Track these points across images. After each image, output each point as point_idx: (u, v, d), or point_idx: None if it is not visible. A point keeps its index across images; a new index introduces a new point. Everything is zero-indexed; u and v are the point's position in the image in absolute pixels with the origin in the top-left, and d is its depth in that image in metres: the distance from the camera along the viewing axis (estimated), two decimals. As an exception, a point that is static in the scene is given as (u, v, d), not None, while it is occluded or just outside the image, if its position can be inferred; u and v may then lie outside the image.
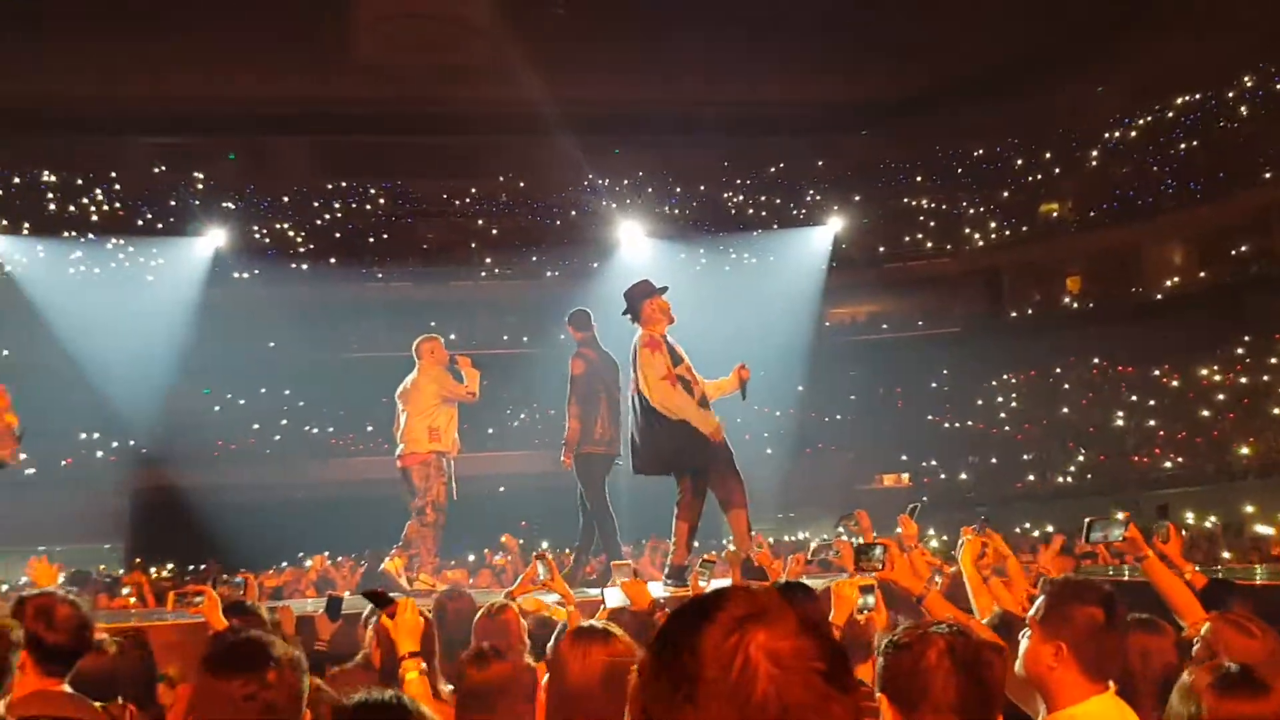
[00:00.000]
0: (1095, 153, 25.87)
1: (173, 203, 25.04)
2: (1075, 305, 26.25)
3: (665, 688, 1.13)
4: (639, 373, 7.21)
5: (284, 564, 14.57)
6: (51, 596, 3.18)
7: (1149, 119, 25.21)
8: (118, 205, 25.16)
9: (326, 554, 13.38)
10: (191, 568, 15.63)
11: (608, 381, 8.08)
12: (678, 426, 7.09)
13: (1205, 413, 20.92)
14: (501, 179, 27.74)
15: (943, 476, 22.39)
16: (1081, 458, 21.59)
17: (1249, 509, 16.54)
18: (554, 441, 9.07)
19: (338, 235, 25.85)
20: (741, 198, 27.77)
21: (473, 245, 26.18)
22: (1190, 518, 16.07)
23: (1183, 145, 24.35)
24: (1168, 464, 20.32)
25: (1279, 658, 3.29)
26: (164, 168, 26.61)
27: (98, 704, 3.17)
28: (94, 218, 24.43)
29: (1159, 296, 24.62)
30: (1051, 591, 2.78)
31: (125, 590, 9.77)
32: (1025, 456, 22.28)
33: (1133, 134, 25.46)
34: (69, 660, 3.10)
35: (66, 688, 3.13)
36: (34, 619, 3.07)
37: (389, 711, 2.32)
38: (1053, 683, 2.64)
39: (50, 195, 24.65)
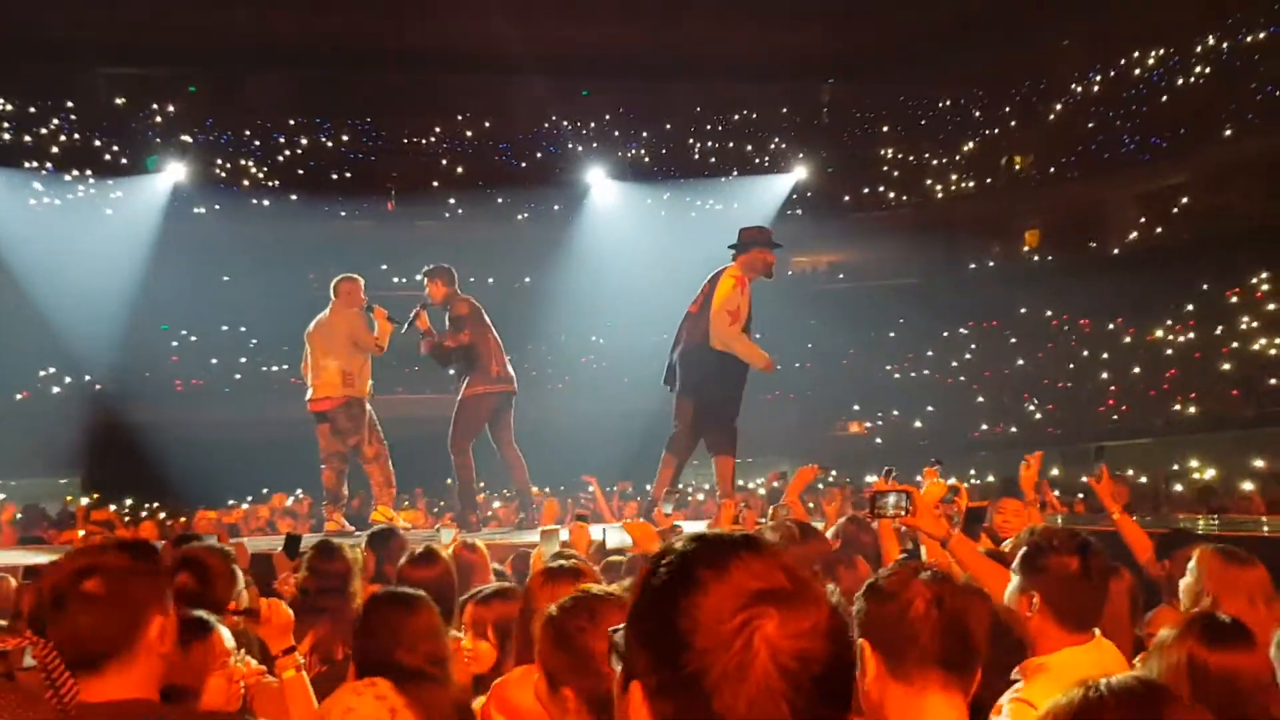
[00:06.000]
0: (1058, 107, 25.96)
1: (131, 135, 24.58)
2: (1034, 258, 26.49)
3: (648, 638, 1.08)
4: (711, 296, 7.32)
5: (246, 500, 14.61)
6: None
7: (1112, 74, 25.30)
8: (76, 136, 24.69)
9: (299, 492, 13.44)
10: (148, 505, 15.62)
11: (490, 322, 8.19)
12: (712, 356, 7.21)
13: (1157, 367, 21.27)
14: (465, 118, 27.46)
15: (897, 425, 22.69)
16: (1033, 408, 21.93)
17: (1194, 463, 16.90)
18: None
19: (300, 172, 25.50)
20: (708, 143, 27.69)
21: (437, 184, 25.93)
22: (1134, 471, 16.42)
23: (1145, 101, 24.47)
24: (1116, 416, 20.70)
25: (1268, 586, 3.45)
26: (123, 99, 26.12)
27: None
28: (51, 149, 23.96)
29: (1116, 251, 24.86)
30: (1029, 541, 2.82)
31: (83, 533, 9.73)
32: (979, 406, 22.59)
33: (1095, 89, 25.56)
34: None
35: None
36: None
37: None
38: (1030, 632, 2.69)
39: (4, 125, 24.15)
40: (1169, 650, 2.48)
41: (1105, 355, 22.44)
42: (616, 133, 27.22)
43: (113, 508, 13.58)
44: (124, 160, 23.92)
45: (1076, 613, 2.67)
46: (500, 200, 25.68)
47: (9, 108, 24.39)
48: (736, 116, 28.28)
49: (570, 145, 26.13)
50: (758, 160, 26.92)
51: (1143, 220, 24.74)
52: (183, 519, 12.35)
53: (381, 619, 3.03)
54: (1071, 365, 22.74)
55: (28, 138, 24.01)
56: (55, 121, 24.50)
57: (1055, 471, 15.84)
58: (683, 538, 1.15)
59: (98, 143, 24.52)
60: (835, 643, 1.05)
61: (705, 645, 1.02)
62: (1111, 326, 23.15)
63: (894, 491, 3.50)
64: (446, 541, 4.75)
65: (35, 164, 23.12)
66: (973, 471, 17.80)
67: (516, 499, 8.94)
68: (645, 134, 27.54)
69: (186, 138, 24.69)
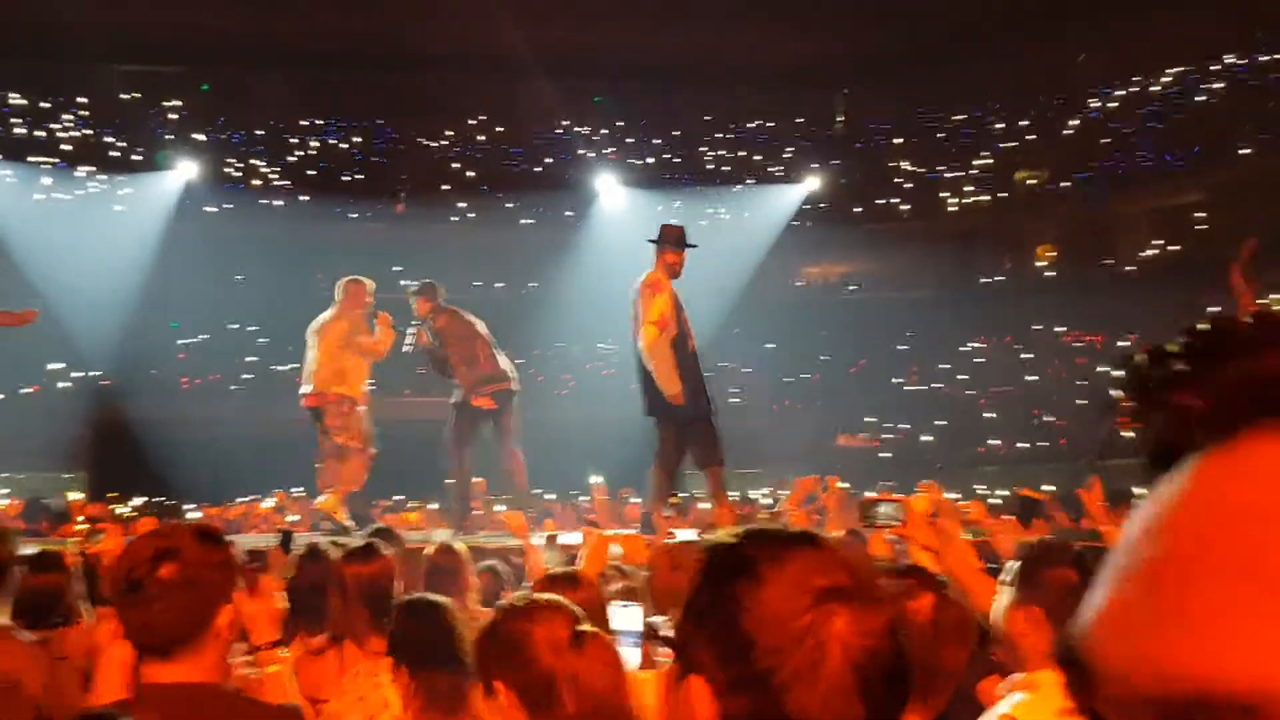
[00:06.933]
0: (1074, 121, 25.83)
1: (143, 133, 24.62)
2: (1047, 273, 26.35)
3: (711, 633, 1.07)
4: (637, 312, 7.23)
5: (249, 498, 14.59)
6: None
7: (1129, 90, 25.17)
8: (88, 133, 24.73)
9: (304, 491, 13.37)
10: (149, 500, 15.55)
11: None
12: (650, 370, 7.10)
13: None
14: (477, 122, 27.45)
15: (905, 438, 22.57)
16: (1043, 424, 21.80)
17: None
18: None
19: (311, 172, 25.53)
20: (720, 151, 27.61)
21: (447, 187, 25.91)
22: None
23: (1162, 118, 24.34)
24: (1127, 433, 20.51)
25: None
26: (136, 96, 26.15)
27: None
28: (63, 145, 24.01)
29: (1131, 267, 24.71)
30: (1024, 555, 2.76)
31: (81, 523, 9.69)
32: (988, 421, 22.47)
33: (1112, 104, 25.44)
34: None
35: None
36: None
37: None
38: (1026, 648, 2.62)
39: (16, 120, 24.19)
40: None
41: (1117, 372, 22.23)
42: (628, 139, 27.16)
43: (119, 510, 13.55)
44: (135, 156, 23.94)
45: None
46: (509, 204, 25.64)
47: (22, 103, 24.44)
48: (749, 125, 28.20)
49: (580, 151, 26.09)
50: (770, 169, 26.83)
51: (1158, 237, 24.57)
52: (181, 516, 12.29)
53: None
54: (1083, 381, 22.60)
55: (39, 133, 24.06)
56: (67, 117, 24.54)
57: (1051, 487, 15.74)
58: (735, 531, 1.14)
59: (109, 139, 24.56)
60: (900, 641, 1.07)
61: (774, 643, 1.02)
62: (1125, 343, 22.98)
63: (886, 501, 3.50)
64: (438, 542, 4.69)
65: (45, 159, 23.17)
66: (982, 487, 17.65)
67: (518, 502, 8.86)
68: (656, 141, 27.49)
69: (198, 135, 24.70)
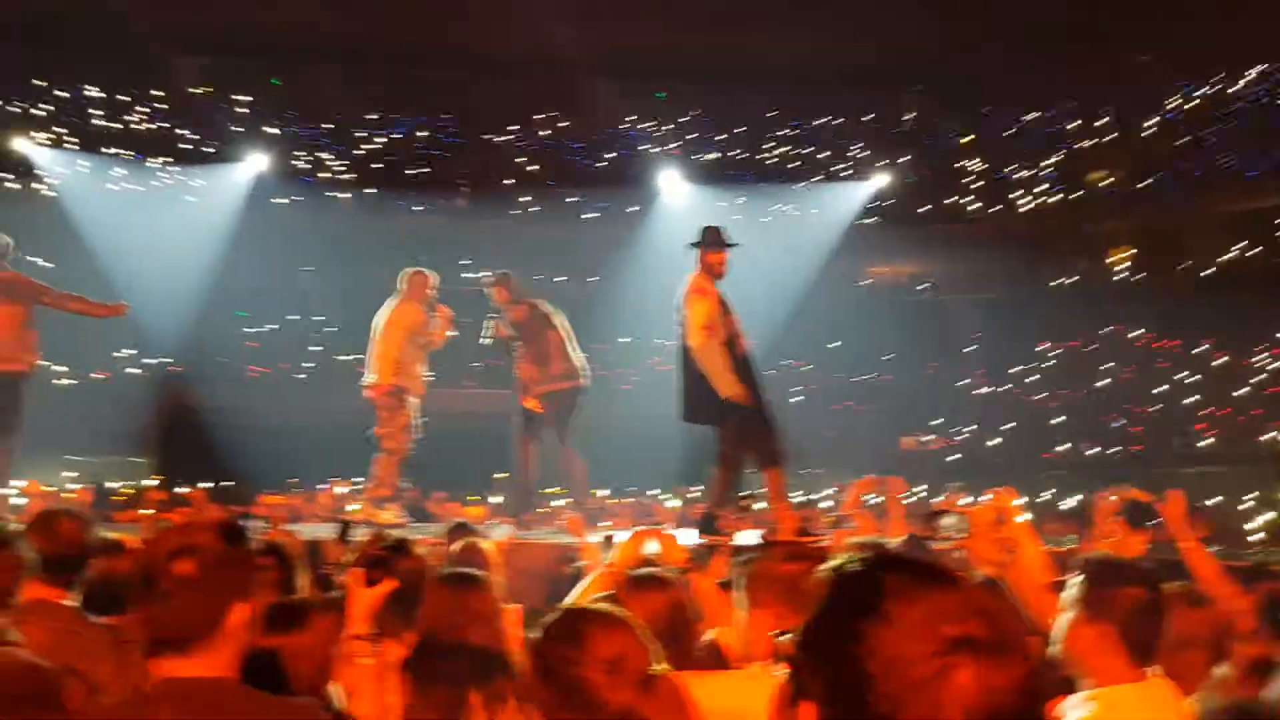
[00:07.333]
0: (1150, 122, 25.24)
1: (215, 125, 25.02)
2: (1121, 277, 25.79)
3: (828, 666, 1.02)
4: (684, 317, 7.18)
5: (316, 486, 14.75)
6: (54, 509, 3.23)
7: (1207, 92, 24.57)
8: (161, 124, 25.19)
9: (356, 481, 13.46)
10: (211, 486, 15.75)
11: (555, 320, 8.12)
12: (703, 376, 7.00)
13: (1246, 393, 20.58)
14: (542, 117, 27.52)
15: (972, 441, 22.21)
16: (1115, 429, 21.35)
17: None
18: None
19: (377, 166, 25.78)
20: (786, 148, 27.39)
21: (511, 182, 26.02)
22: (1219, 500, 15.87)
23: (1243, 119, 23.70)
24: (1203, 442, 20.05)
25: None
26: (209, 89, 26.57)
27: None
28: (136, 136, 24.47)
29: (1207, 272, 24.10)
30: (1092, 571, 2.70)
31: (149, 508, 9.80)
32: (1058, 425, 22.05)
33: (1189, 106, 24.84)
34: (70, 571, 3.13)
35: (70, 600, 3.13)
36: (34, 531, 3.13)
37: None
38: (1093, 665, 2.57)
39: (94, 111, 24.69)
40: (1224, 689, 2.38)
41: (1194, 378, 21.76)
42: (691, 135, 27.06)
43: (182, 490, 13.72)
44: (207, 149, 24.32)
45: (1143, 647, 2.54)
46: (571, 200, 25.67)
47: (99, 95, 24.94)
48: (816, 122, 27.95)
49: (643, 146, 26.02)
50: (836, 167, 26.57)
51: (1237, 241, 23.93)
52: (245, 503, 12.42)
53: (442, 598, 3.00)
54: (1158, 388, 22.09)
55: (115, 124, 24.54)
56: (141, 109, 25.00)
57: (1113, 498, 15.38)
58: (866, 555, 1.08)
59: (181, 130, 24.98)
60: (1028, 698, 0.99)
61: (893, 689, 0.97)
62: (1201, 349, 22.45)
63: (951, 513, 3.42)
64: (498, 538, 4.62)
65: (118, 150, 23.63)
66: (1051, 493, 17.32)
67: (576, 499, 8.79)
68: (721, 137, 27.35)
69: (269, 129, 25.03)
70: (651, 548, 4.41)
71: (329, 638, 2.81)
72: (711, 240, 7.34)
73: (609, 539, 5.90)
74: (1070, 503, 15.61)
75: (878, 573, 1.03)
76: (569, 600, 3.48)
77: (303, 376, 22.63)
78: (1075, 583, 2.69)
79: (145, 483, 14.03)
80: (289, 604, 2.86)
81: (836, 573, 1.07)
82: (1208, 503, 15.55)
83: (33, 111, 24.02)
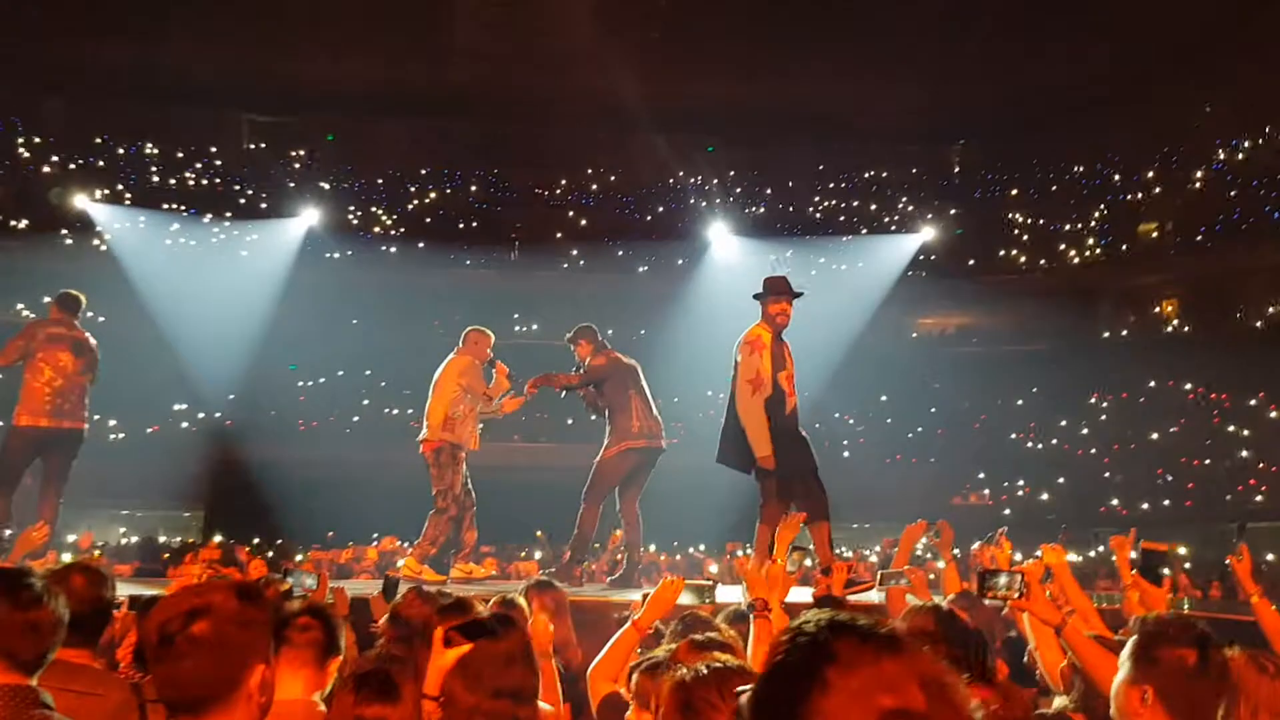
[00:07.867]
0: (1199, 174, 25.03)
1: (269, 181, 25.46)
2: (1171, 329, 25.46)
3: None
4: (735, 367, 7.18)
5: (349, 542, 14.74)
6: (69, 566, 3.22)
7: (1256, 142, 24.36)
8: (216, 180, 25.69)
9: (401, 540, 13.47)
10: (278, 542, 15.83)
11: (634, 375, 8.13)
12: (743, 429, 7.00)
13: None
14: (592, 172, 27.77)
15: (1024, 496, 21.87)
16: (1168, 484, 20.95)
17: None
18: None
19: (428, 220, 26.10)
20: (833, 201, 27.43)
21: (560, 235, 26.20)
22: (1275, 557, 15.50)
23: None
24: (1259, 496, 19.64)
25: None
26: (263, 145, 27.12)
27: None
28: (192, 191, 24.97)
29: (1259, 324, 23.74)
30: (1142, 630, 2.63)
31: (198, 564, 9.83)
32: (1110, 480, 21.67)
33: (1238, 157, 24.64)
34: (89, 629, 3.10)
35: (90, 659, 3.12)
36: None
37: None
38: None
39: (152, 167, 25.25)
40: None
41: (1246, 432, 21.35)
42: (740, 189, 27.17)
43: (230, 541, 13.81)
44: (262, 204, 24.75)
45: (1190, 711, 2.45)
46: (621, 253, 25.80)
47: (154, 151, 25.54)
48: (864, 175, 27.99)
49: (693, 200, 26.15)
50: (884, 219, 26.55)
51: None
52: (291, 558, 12.45)
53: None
54: (1209, 441, 21.69)
55: (172, 180, 25.08)
56: (197, 165, 25.53)
57: (1182, 551, 15.09)
58: (819, 618, 1.07)
59: (237, 186, 25.47)
60: None
61: None
62: (1253, 402, 22.04)
63: (1006, 572, 3.34)
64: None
65: (175, 205, 24.09)
66: (1101, 549, 16.98)
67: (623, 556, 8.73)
68: (769, 190, 27.43)
69: (323, 184, 25.45)
70: (685, 599, 4.37)
71: (416, 706, 2.79)
72: (773, 289, 7.33)
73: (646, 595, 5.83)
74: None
75: (828, 637, 1.03)
76: (599, 658, 3.47)
77: (350, 431, 22.72)
78: (1130, 642, 2.63)
79: (192, 539, 14.07)
80: (380, 674, 2.82)
81: (791, 634, 1.07)
82: (1268, 558, 15.20)
83: (91, 167, 24.61)
